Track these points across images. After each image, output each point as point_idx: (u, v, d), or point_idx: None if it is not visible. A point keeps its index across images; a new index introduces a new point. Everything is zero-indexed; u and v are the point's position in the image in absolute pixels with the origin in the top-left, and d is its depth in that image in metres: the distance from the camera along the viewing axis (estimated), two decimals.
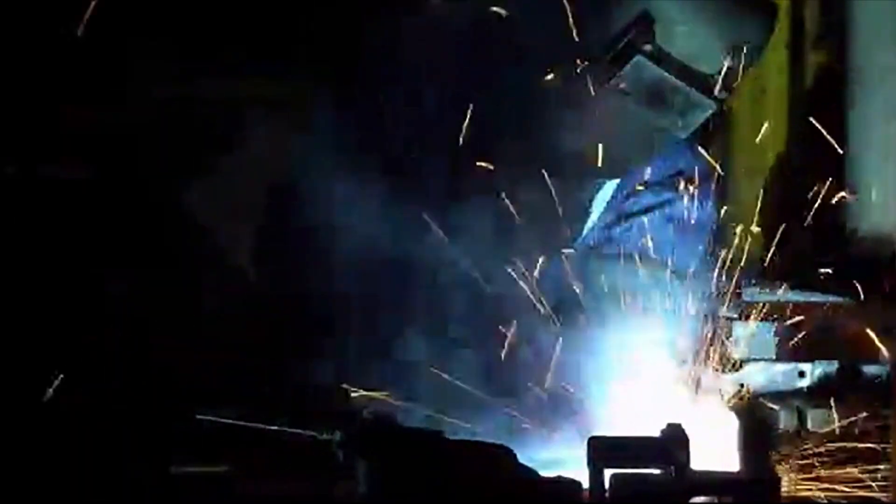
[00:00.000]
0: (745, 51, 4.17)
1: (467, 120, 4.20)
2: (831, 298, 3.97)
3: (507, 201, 4.23)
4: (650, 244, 4.27)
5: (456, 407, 3.96)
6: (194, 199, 4.21)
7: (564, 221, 4.37)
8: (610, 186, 4.50)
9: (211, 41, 4.13)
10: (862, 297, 3.92)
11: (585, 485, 3.49)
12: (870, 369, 3.77)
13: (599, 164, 4.27)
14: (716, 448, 3.72)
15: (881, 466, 3.71)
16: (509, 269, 4.21)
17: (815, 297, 3.98)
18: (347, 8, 4.22)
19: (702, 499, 3.49)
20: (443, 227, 4.20)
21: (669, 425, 3.53)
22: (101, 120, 4.17)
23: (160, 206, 4.18)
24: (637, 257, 4.25)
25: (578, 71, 4.14)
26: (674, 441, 3.49)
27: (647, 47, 4.11)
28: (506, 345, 4.15)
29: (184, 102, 4.22)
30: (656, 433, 3.54)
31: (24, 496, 3.56)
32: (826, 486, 3.77)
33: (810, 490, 3.78)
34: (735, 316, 3.92)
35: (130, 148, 4.18)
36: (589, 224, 4.51)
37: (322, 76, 4.24)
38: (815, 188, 4.15)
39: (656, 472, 3.47)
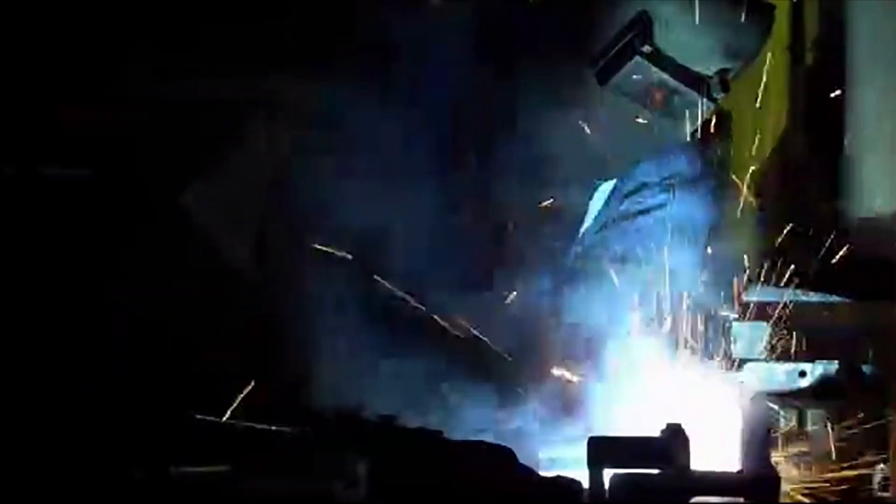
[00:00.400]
0: (742, 52, 4.18)
1: (467, 121, 4.21)
2: (831, 298, 3.98)
3: (506, 202, 4.25)
4: (647, 245, 4.27)
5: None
6: (194, 200, 4.21)
7: (562, 222, 4.37)
8: (606, 187, 4.50)
9: (212, 40, 4.14)
10: (861, 297, 3.93)
11: (585, 485, 3.50)
12: (869, 369, 3.78)
13: (597, 165, 4.28)
14: (716, 447, 3.73)
15: (881, 466, 3.72)
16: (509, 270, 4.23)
17: (816, 297, 3.99)
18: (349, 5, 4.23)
19: (702, 499, 3.49)
20: (442, 224, 4.21)
21: (669, 425, 3.53)
22: (100, 120, 4.17)
23: (160, 206, 4.18)
24: (634, 258, 4.25)
25: (577, 72, 4.15)
26: (674, 441, 3.49)
27: (646, 48, 4.12)
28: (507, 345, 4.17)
29: (182, 103, 4.21)
30: (656, 433, 3.55)
31: (25, 496, 3.56)
32: (826, 485, 3.78)
33: (810, 489, 3.78)
34: (735, 316, 3.93)
35: (129, 148, 4.18)
36: (585, 225, 4.51)
37: (323, 76, 4.24)
38: (815, 188, 4.15)
39: (656, 472, 3.48)
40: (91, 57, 4.23)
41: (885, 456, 3.71)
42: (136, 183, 4.21)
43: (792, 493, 3.71)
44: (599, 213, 4.53)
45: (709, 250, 4.14)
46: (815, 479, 3.77)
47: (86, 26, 4.23)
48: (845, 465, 3.76)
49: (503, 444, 3.60)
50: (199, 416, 3.65)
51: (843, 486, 3.75)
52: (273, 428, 3.61)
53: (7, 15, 4.20)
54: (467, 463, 3.53)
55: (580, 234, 4.51)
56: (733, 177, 4.24)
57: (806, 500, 3.72)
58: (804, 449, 3.77)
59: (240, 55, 4.21)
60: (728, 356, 3.90)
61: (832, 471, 3.77)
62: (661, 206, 4.38)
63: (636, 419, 3.87)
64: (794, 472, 3.74)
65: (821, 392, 3.81)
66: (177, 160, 4.23)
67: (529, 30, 4.19)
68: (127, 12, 4.24)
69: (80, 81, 4.22)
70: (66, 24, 4.23)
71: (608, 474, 3.47)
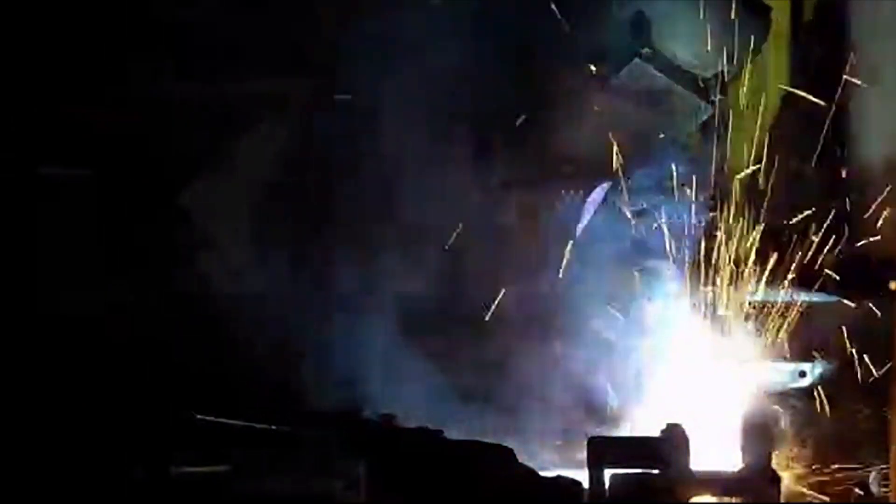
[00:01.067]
0: (740, 53, 4.19)
1: (464, 122, 4.22)
2: (833, 298, 3.98)
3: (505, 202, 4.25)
4: (644, 246, 4.27)
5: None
6: (197, 200, 4.20)
7: (560, 222, 4.37)
8: (603, 188, 4.49)
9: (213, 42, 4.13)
10: (862, 296, 3.93)
11: (586, 485, 3.51)
12: (869, 368, 3.79)
13: (595, 166, 4.28)
14: (717, 447, 3.74)
15: (882, 465, 3.73)
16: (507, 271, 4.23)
17: (816, 297, 3.99)
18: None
19: (702, 499, 3.50)
20: (441, 226, 4.22)
21: (669, 425, 3.54)
22: (101, 120, 4.16)
23: (162, 205, 4.17)
24: (631, 259, 4.25)
25: (576, 73, 4.16)
26: (674, 441, 3.50)
27: (645, 50, 4.13)
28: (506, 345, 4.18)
29: (180, 104, 4.20)
30: (656, 433, 3.56)
31: (25, 496, 3.56)
32: (826, 484, 3.79)
33: (811, 489, 3.79)
34: (735, 316, 3.94)
35: (132, 148, 4.17)
36: (582, 225, 4.50)
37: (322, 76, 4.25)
38: (816, 188, 4.15)
39: (656, 472, 3.48)
40: (96, 58, 4.23)
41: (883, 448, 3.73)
42: (138, 183, 4.21)
43: (792, 492, 3.71)
44: (595, 214, 4.52)
45: (706, 251, 4.14)
46: (815, 477, 3.77)
47: (91, 28, 4.23)
48: (844, 463, 3.77)
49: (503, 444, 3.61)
50: (199, 417, 3.65)
51: (843, 485, 3.76)
52: (273, 427, 3.61)
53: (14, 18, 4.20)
54: (467, 462, 3.53)
55: (577, 234, 4.50)
56: (734, 176, 4.24)
57: (806, 500, 3.73)
58: (804, 448, 3.78)
59: (246, 56, 4.22)
60: (728, 356, 3.91)
61: (832, 469, 3.78)
62: (656, 208, 4.37)
63: (639, 417, 3.90)
64: (795, 471, 3.75)
65: (821, 391, 3.83)
66: (181, 160, 4.23)
67: (530, 32, 4.19)
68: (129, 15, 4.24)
69: (86, 82, 4.22)
70: (73, 26, 4.23)
71: (608, 474, 3.48)
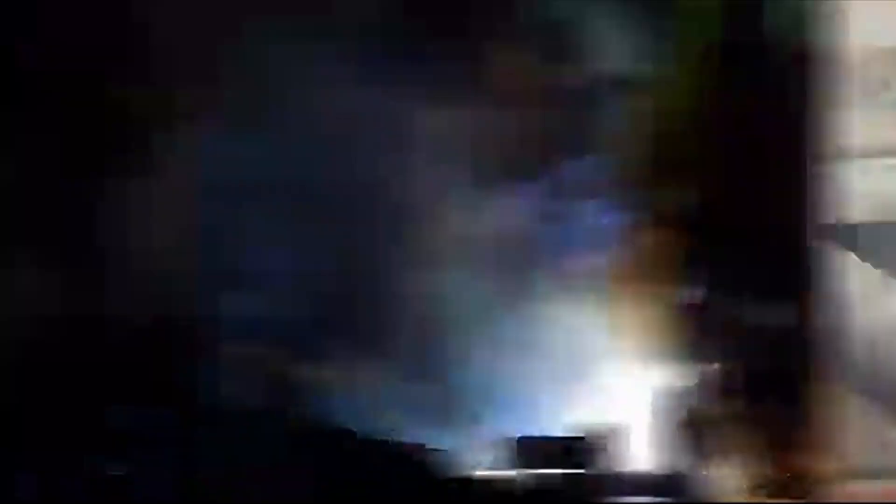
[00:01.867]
0: (656, 53, 4.22)
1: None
2: (752, 299, 4.00)
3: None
4: (562, 251, 4.28)
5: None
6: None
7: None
8: (530, 190, 4.50)
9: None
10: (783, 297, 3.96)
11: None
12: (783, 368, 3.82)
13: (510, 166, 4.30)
14: (643, 446, 3.76)
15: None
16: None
17: (737, 298, 4.01)
18: None
19: (632, 499, 3.53)
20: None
21: (596, 425, 3.57)
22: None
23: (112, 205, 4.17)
24: (551, 264, 4.27)
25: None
26: (599, 441, 3.53)
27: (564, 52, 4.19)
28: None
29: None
30: (582, 433, 3.59)
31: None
32: (756, 479, 3.81)
33: (742, 486, 3.82)
34: (669, 315, 3.97)
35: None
36: (497, 226, 4.50)
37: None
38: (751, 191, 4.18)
39: (582, 471, 3.52)
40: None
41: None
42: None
43: (730, 492, 3.75)
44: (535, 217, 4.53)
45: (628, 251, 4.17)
46: (743, 473, 3.80)
47: None
48: (768, 457, 3.80)
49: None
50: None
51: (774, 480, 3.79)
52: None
53: None
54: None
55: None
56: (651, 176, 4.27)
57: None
58: (728, 447, 3.81)
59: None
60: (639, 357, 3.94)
61: (755, 465, 3.80)
62: (573, 211, 4.38)
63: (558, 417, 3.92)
64: (727, 470, 3.78)
65: (748, 391, 3.85)
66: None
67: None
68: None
69: None
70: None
71: (534, 473, 3.51)
